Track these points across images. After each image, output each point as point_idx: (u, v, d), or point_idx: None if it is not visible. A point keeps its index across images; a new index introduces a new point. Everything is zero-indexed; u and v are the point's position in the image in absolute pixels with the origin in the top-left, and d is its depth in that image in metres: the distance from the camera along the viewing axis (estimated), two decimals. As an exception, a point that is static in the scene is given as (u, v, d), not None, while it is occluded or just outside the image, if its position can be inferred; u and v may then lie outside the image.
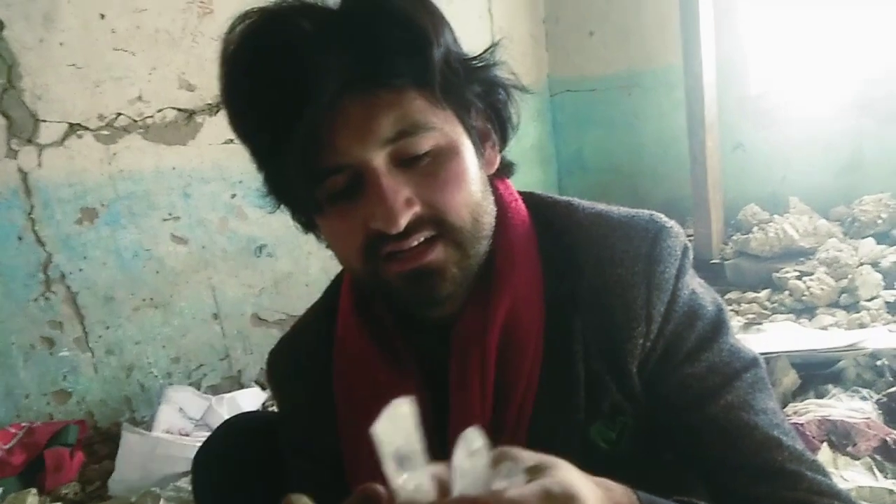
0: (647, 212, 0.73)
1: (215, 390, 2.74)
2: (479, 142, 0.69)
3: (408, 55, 0.60)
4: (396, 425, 0.41)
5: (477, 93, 0.67)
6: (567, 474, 0.41)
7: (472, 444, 0.41)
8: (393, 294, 0.67)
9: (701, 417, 0.66)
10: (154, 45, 2.60)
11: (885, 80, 3.22)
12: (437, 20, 0.63)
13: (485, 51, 0.68)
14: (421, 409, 0.68)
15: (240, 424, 0.93)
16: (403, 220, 0.61)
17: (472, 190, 0.65)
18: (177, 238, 2.70)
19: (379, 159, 0.61)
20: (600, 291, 0.69)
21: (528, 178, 4.03)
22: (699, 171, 3.26)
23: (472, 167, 0.66)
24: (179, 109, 2.67)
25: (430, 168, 0.63)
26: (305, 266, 2.93)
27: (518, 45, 3.97)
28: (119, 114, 2.56)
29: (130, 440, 2.08)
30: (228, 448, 0.89)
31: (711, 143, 3.24)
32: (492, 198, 0.71)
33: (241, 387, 2.75)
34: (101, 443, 2.46)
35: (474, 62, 0.67)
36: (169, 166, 2.67)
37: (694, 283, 0.71)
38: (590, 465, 0.61)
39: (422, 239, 0.63)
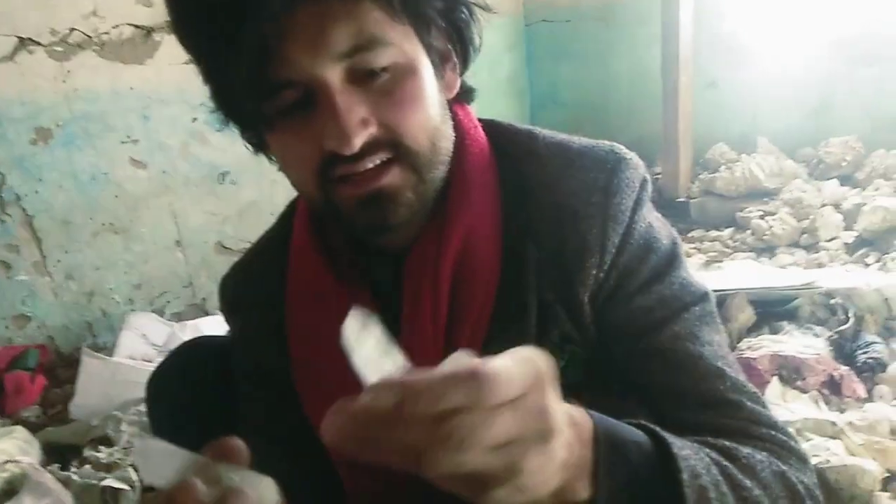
0: (607, 143, 0.72)
1: (179, 317, 2.72)
2: (439, 62, 0.66)
3: None
4: (361, 332, 0.41)
5: (438, 8, 0.63)
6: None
7: (359, 327, 0.42)
8: (345, 219, 0.65)
9: (647, 346, 0.67)
10: (110, -45, 2.46)
11: (859, 22, 3.21)
12: None
13: None
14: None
15: (193, 348, 0.92)
16: (358, 141, 0.58)
17: (430, 112, 0.63)
18: (136, 162, 2.62)
19: (333, 74, 0.58)
20: (556, 221, 0.68)
21: (501, 110, 3.98)
22: (671, 108, 3.25)
23: (430, 88, 0.63)
24: (137, 26, 2.55)
25: (387, 86, 0.60)
26: (270, 194, 2.88)
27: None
28: (73, 29, 2.43)
29: (91, 365, 2.07)
30: (181, 371, 0.89)
31: (685, 81, 3.22)
32: (451, 123, 0.68)
33: (206, 314, 2.73)
34: (62, 367, 2.44)
35: None
36: (126, 86, 2.57)
37: (651, 217, 0.71)
38: None
39: (377, 161, 0.61)
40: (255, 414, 0.78)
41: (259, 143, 0.69)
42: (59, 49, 2.42)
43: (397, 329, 0.67)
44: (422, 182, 0.64)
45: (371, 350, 0.41)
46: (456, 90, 0.70)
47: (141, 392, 1.98)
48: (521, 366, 0.39)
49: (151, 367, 2.10)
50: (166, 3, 0.59)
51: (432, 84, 0.64)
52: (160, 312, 2.70)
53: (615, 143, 0.72)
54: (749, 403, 0.65)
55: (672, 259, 0.70)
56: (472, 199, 0.68)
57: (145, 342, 2.28)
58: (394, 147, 0.61)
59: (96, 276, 2.59)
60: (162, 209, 2.70)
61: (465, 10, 0.66)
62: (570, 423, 0.45)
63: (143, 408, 1.94)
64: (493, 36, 3.88)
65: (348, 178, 0.61)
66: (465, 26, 0.67)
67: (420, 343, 0.65)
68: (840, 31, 3.24)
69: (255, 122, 0.65)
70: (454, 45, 0.68)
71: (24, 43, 2.35)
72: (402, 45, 0.60)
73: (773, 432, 0.64)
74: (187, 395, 0.85)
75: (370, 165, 0.61)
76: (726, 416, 0.64)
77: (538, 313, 0.67)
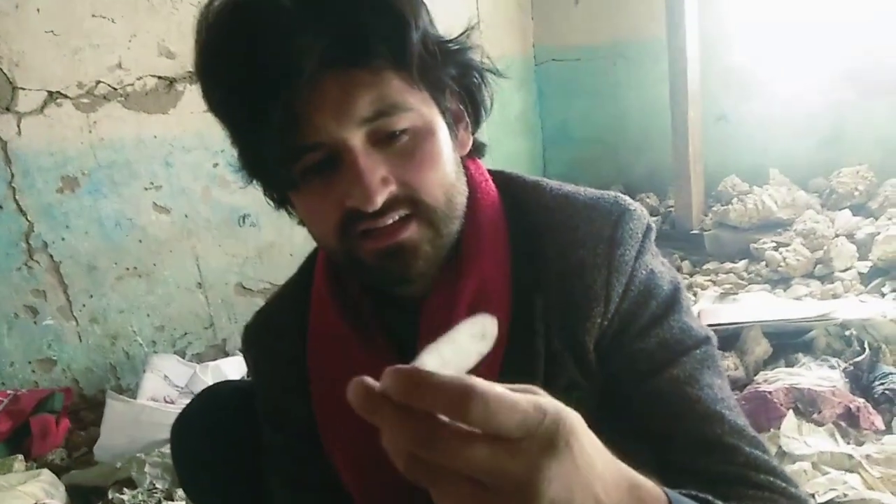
0: (612, 194, 0.76)
1: (200, 358, 2.76)
2: (453, 123, 0.71)
3: (386, 37, 0.61)
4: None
5: (452, 75, 0.68)
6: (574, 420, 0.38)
7: (480, 329, 0.41)
8: (366, 271, 0.69)
9: (648, 390, 0.69)
10: (134, 11, 2.56)
11: (867, 53, 3.24)
12: (415, 2, 0.65)
13: (460, 34, 0.70)
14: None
15: (217, 393, 0.95)
16: (380, 199, 0.62)
17: (446, 170, 0.67)
18: (159, 207, 2.70)
19: (356, 138, 0.62)
20: (563, 272, 0.71)
21: (513, 148, 4.04)
22: (681, 142, 3.28)
23: (446, 148, 0.68)
24: (160, 77, 2.65)
25: (406, 148, 0.64)
26: (289, 235, 2.94)
27: (504, 13, 3.95)
28: (99, 81, 2.53)
29: (115, 407, 2.11)
30: (206, 416, 0.91)
31: (694, 115, 3.26)
32: (464, 178, 0.72)
33: (226, 355, 2.77)
34: (86, 410, 2.49)
35: (450, 45, 0.68)
36: (150, 135, 2.66)
37: (654, 263, 0.73)
38: None
39: (396, 217, 0.65)
40: (281, 461, 0.81)
41: (281, 200, 0.74)
42: (85, 101, 2.51)
43: None
44: (439, 236, 0.68)
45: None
46: (468, 147, 0.75)
47: (164, 433, 2.01)
48: (530, 411, 0.35)
49: (174, 408, 2.15)
50: (197, 71, 0.64)
51: (447, 144, 0.68)
52: (182, 354, 2.75)
53: (619, 195, 0.76)
54: (747, 448, 0.66)
55: (672, 303, 0.72)
56: (485, 250, 0.72)
57: (168, 384, 2.33)
58: (412, 204, 0.65)
59: (120, 319, 2.65)
60: (184, 252, 2.77)
61: (476, 75, 0.71)
62: (634, 494, 0.41)
63: (166, 449, 1.97)
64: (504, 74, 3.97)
65: (370, 233, 0.65)
66: (477, 89, 0.72)
67: None
68: (848, 61, 3.27)
69: (280, 183, 0.69)
70: (467, 106, 0.72)
71: (52, 96, 2.45)
72: (420, 110, 0.65)
73: (772, 478, 0.64)
74: (210, 440, 0.88)
75: (390, 221, 0.65)
76: (725, 461, 0.65)
77: (546, 360, 0.70)
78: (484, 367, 0.68)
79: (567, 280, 0.71)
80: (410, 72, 0.63)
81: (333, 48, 0.59)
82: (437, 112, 0.67)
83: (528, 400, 0.36)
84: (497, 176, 0.79)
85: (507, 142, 4.00)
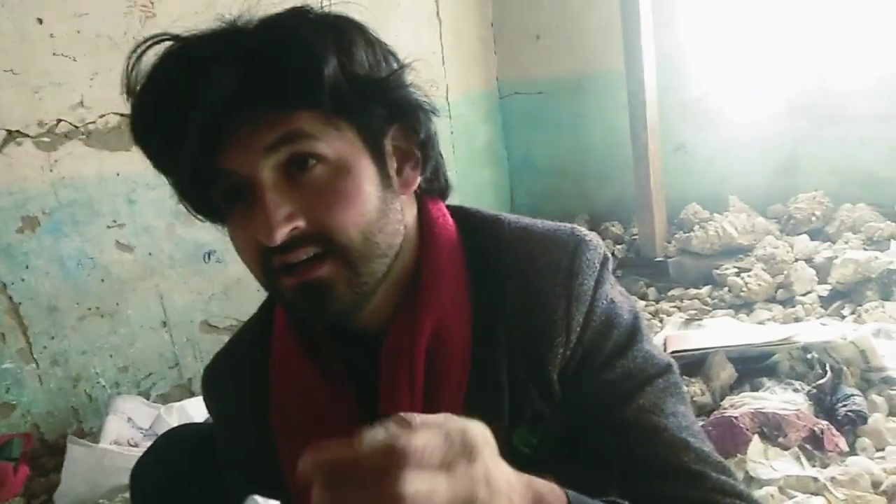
0: (568, 225, 0.77)
1: (165, 399, 2.70)
2: (397, 161, 0.71)
3: (298, 74, 0.62)
4: None
5: (383, 114, 0.68)
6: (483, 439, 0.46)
7: None
8: (287, 305, 0.69)
9: (614, 420, 0.70)
10: (95, 49, 2.55)
11: (819, 83, 3.37)
12: (337, 39, 0.65)
13: (391, 72, 0.69)
14: (354, 420, 0.70)
15: (176, 438, 0.93)
16: (279, 235, 0.62)
17: (363, 209, 0.65)
18: (122, 245, 2.66)
19: (265, 173, 0.63)
20: (524, 303, 0.72)
21: (480, 179, 4.08)
22: (642, 172, 3.35)
23: (366, 186, 0.66)
24: (122, 115, 2.63)
25: (319, 183, 0.64)
26: (256, 271, 2.92)
27: (468, 48, 4.02)
28: (60, 120, 2.51)
29: (76, 452, 2.05)
30: (164, 463, 0.90)
31: (653, 145, 3.34)
32: (399, 216, 0.71)
33: (192, 395, 2.72)
34: (47, 455, 2.41)
35: (380, 82, 0.68)
36: (112, 172, 2.63)
37: (613, 293, 0.75)
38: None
39: (311, 254, 0.65)
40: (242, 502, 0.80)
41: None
42: (46, 140, 2.48)
43: (376, 410, 0.70)
44: (356, 276, 0.66)
45: None
46: (414, 186, 0.73)
47: (127, 478, 1.96)
48: (442, 434, 0.43)
49: (138, 451, 2.09)
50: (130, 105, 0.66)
51: (370, 181, 0.67)
52: (146, 395, 2.69)
53: (575, 226, 0.77)
54: (714, 474, 0.67)
55: (633, 333, 0.73)
56: (443, 284, 0.72)
57: (131, 426, 2.27)
58: (323, 242, 0.64)
59: (82, 360, 2.59)
60: (148, 291, 2.73)
61: (418, 113, 0.71)
62: (536, 499, 0.48)
63: (129, 495, 1.92)
64: (468, 110, 4.02)
65: (286, 268, 0.65)
66: (420, 127, 0.71)
67: None
68: (801, 92, 3.40)
69: (206, 209, 0.71)
70: (415, 144, 0.72)
71: (12, 135, 2.42)
72: (335, 146, 0.64)
73: (739, 502, 0.66)
74: (168, 487, 0.87)
75: (303, 257, 0.64)
76: (693, 487, 0.66)
77: (511, 392, 0.70)
78: (448, 400, 0.69)
79: (528, 311, 0.71)
80: (324, 108, 0.63)
81: (247, 83, 0.61)
82: (362, 149, 0.67)
83: (442, 432, 0.43)
84: (455, 211, 0.80)
85: (475, 172, 4.04)
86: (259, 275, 0.69)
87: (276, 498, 0.76)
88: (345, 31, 0.66)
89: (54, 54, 2.47)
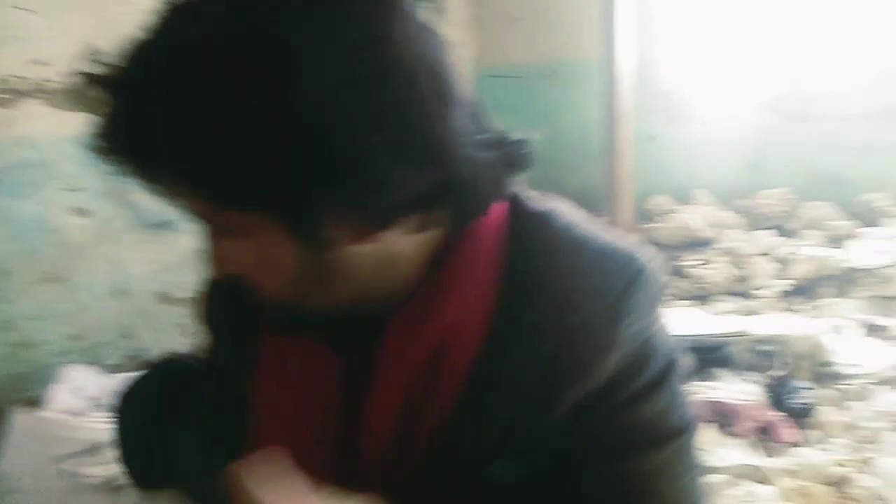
0: (629, 247, 0.64)
1: (117, 369, 2.64)
2: (348, 225, 0.54)
3: (180, 171, 0.52)
4: None
5: (278, 195, 0.51)
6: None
7: None
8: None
9: (606, 472, 0.61)
10: (57, 4, 2.46)
11: (790, 80, 3.41)
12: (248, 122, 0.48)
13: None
14: (335, 376, 0.65)
15: (169, 365, 0.90)
16: (218, 274, 0.61)
17: (284, 281, 0.58)
18: (78, 210, 2.58)
19: (205, 225, 0.59)
20: (554, 331, 0.60)
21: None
22: (611, 161, 3.36)
23: (280, 258, 0.56)
24: (85, 74, 2.54)
25: (239, 248, 0.58)
26: (217, 243, 2.86)
27: (444, 27, 3.97)
28: (18, 76, 2.41)
29: (21, 421, 1.99)
30: (153, 388, 0.87)
31: (625, 135, 3.34)
32: (365, 271, 0.59)
33: (146, 367, 2.66)
34: (-9, 422, 2.35)
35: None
36: (71, 134, 2.55)
37: (656, 330, 0.63)
38: (489, 500, 0.60)
39: None
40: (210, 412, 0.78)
41: None
42: (4, 96, 2.39)
43: (365, 363, 0.63)
44: (299, 303, 0.60)
45: None
46: (373, 238, 0.56)
47: (73, 447, 1.92)
48: None
49: (84, 420, 2.05)
50: None
51: (285, 253, 0.56)
52: (98, 364, 2.62)
53: (638, 248, 0.64)
54: None
55: (660, 381, 0.62)
56: (459, 292, 0.61)
57: (79, 396, 2.21)
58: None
59: (32, 326, 2.51)
60: (103, 257, 2.65)
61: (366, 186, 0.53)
62: None
63: (74, 463, 1.88)
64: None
65: None
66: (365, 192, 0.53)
67: (377, 429, 0.62)
68: (774, 89, 3.43)
69: None
70: (353, 208, 0.53)
71: (-36, 90, 2.32)
72: (243, 221, 0.54)
73: None
74: (156, 412, 0.83)
75: None
76: None
77: (506, 419, 0.61)
78: (436, 413, 0.61)
79: (556, 340, 0.59)
80: (213, 202, 0.53)
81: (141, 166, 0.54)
82: (277, 226, 0.53)
83: None
84: (513, 199, 0.66)
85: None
86: None
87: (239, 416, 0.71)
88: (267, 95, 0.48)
89: (15, 7, 2.38)
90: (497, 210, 0.64)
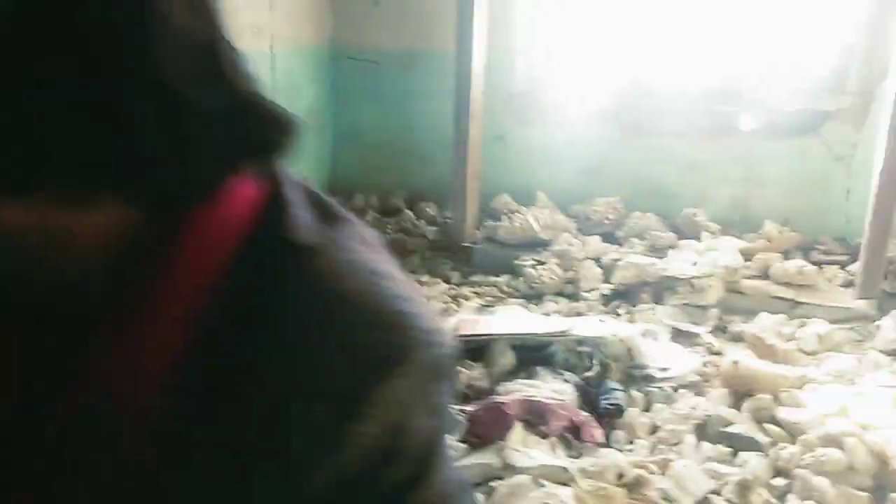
0: (409, 309, 0.45)
1: None
2: None
3: None
4: None
5: None
6: None
7: None
8: None
9: None
10: None
11: (632, 94, 3.59)
12: None
13: None
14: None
15: None
16: None
17: None
18: None
19: None
20: (289, 393, 0.42)
21: (302, 143, 3.86)
22: (461, 158, 3.38)
23: None
24: None
25: None
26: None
27: (302, 2, 3.80)
28: None
29: None
30: None
31: (475, 133, 3.37)
32: None
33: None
34: None
35: None
36: None
37: (424, 410, 0.46)
38: None
39: None
40: None
41: None
42: None
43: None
44: None
45: None
46: None
47: None
48: None
49: None
50: None
51: None
52: None
53: (420, 314, 0.45)
54: None
55: (423, 470, 0.45)
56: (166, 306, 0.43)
57: None
58: None
59: None
60: None
61: None
62: None
63: None
64: (296, 63, 3.80)
65: None
66: None
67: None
68: (616, 102, 3.60)
69: None
70: None
71: None
72: None
73: None
74: None
75: None
76: None
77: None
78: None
79: (294, 405, 0.42)
80: None
81: None
82: None
83: None
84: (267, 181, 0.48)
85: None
86: None
87: None
88: None
89: None
90: (239, 209, 0.45)
